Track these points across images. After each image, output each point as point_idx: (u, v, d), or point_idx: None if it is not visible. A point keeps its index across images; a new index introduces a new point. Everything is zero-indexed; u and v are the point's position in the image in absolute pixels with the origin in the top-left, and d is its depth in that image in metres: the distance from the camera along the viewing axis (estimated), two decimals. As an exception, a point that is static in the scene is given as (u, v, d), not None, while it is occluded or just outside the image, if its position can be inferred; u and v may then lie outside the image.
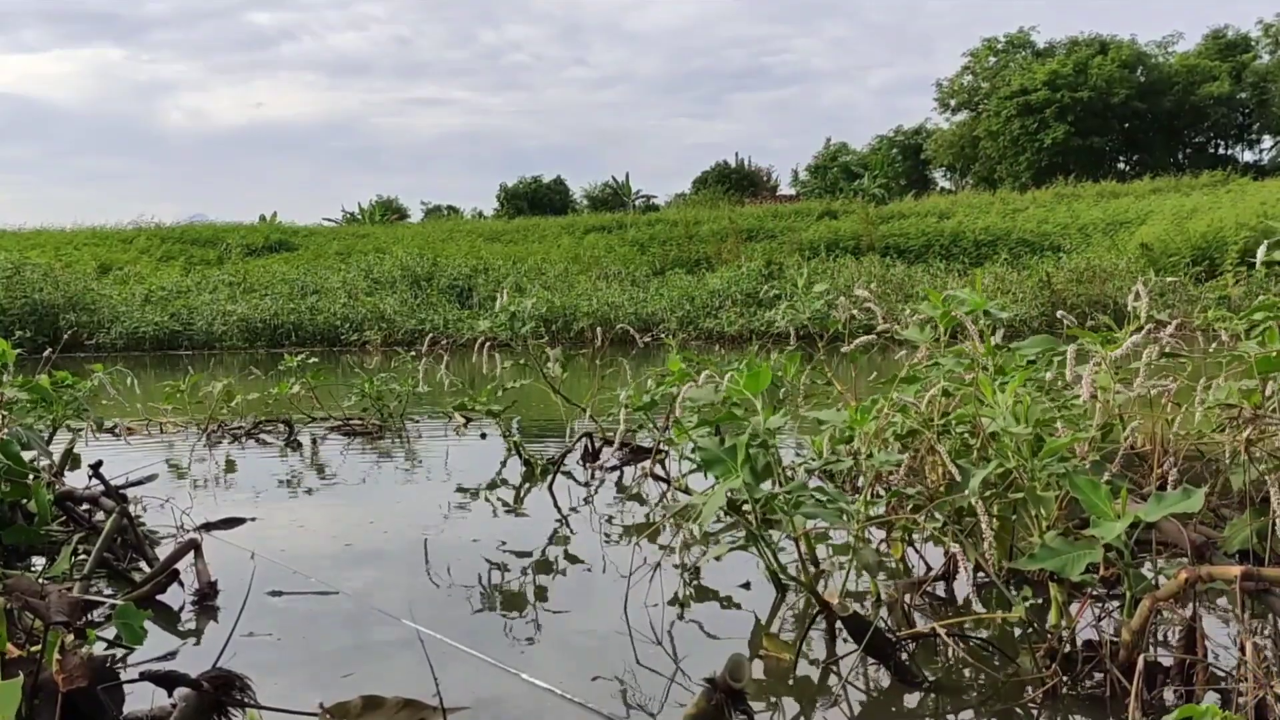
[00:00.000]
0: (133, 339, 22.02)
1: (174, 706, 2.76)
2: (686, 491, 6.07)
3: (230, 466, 7.90)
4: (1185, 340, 4.75)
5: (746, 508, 3.71)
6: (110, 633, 3.50)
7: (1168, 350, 4.07)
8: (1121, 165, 48.28)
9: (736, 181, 50.00)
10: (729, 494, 3.62)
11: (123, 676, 3.03)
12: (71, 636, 2.80)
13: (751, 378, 3.93)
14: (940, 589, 4.26)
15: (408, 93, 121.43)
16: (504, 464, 7.79)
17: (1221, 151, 50.29)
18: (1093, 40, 48.95)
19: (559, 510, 6.26)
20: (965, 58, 52.65)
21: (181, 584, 4.38)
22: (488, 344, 7.57)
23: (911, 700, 3.24)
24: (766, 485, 3.80)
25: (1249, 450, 3.68)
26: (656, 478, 6.73)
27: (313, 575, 4.71)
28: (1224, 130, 50.06)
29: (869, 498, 3.79)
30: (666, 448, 6.67)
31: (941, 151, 51.00)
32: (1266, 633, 3.49)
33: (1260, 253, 3.97)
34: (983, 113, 49.29)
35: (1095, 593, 3.46)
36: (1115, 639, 3.11)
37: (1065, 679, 3.13)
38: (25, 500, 4.94)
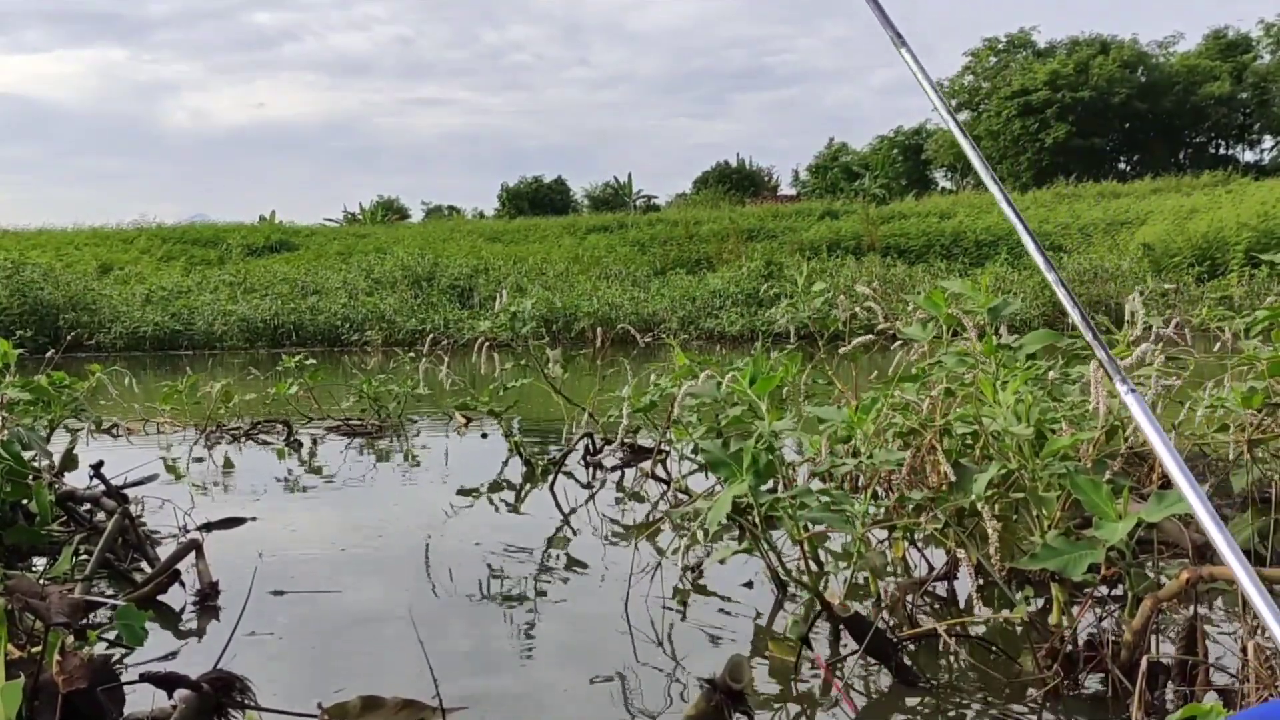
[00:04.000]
0: (133, 339, 22.02)
1: (174, 708, 2.75)
2: (686, 492, 6.07)
3: (229, 467, 7.90)
4: (1183, 340, 4.75)
5: (750, 511, 3.70)
6: (112, 633, 3.50)
7: (1167, 353, 4.07)
8: (1122, 165, 48.23)
9: (737, 181, 49.95)
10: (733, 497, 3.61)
11: (123, 677, 3.03)
12: (72, 637, 2.80)
13: (763, 381, 3.91)
14: (941, 589, 4.25)
15: (409, 93, 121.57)
16: (505, 464, 7.79)
17: (1222, 151, 50.20)
18: (1093, 40, 48.88)
19: (560, 510, 6.26)
20: (966, 58, 52.62)
21: (183, 584, 4.38)
22: (488, 344, 7.56)
23: (913, 700, 3.24)
24: (768, 485, 3.79)
25: (1252, 451, 3.68)
26: (657, 478, 6.73)
27: (313, 575, 4.71)
28: (1225, 130, 49.97)
29: (870, 498, 3.78)
30: (667, 448, 6.67)
31: (942, 151, 50.94)
32: (1268, 633, 3.48)
33: None
34: (983, 113, 49.24)
35: (1097, 593, 3.46)
36: (1117, 639, 3.10)
37: (1066, 679, 3.12)
38: (26, 500, 4.94)
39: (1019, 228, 1.49)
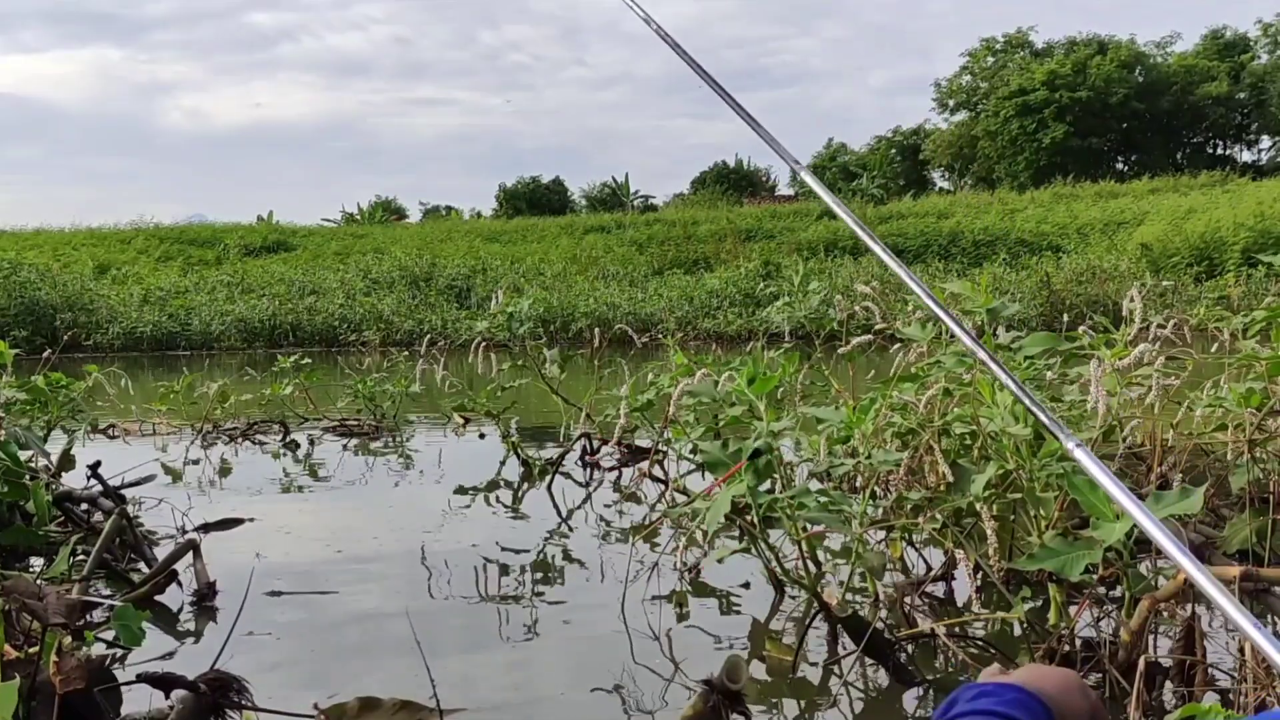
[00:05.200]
0: (130, 339, 21.99)
1: (171, 708, 2.75)
2: (684, 492, 6.06)
3: (226, 467, 7.89)
4: (1181, 340, 4.76)
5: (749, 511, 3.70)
6: (109, 633, 3.49)
7: (1166, 353, 4.07)
8: (1120, 165, 48.26)
9: (735, 182, 49.94)
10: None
11: (121, 677, 3.02)
12: (69, 638, 2.79)
13: (761, 381, 3.91)
14: (939, 589, 4.25)
15: (408, 93, 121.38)
16: (503, 464, 7.78)
17: (1220, 151, 50.24)
18: (1091, 40, 48.91)
19: (558, 510, 6.25)
20: (964, 58, 52.63)
21: (180, 585, 4.37)
22: (485, 344, 7.56)
23: (910, 700, 3.24)
24: (766, 485, 3.79)
25: (1252, 451, 3.68)
26: (654, 478, 6.72)
27: (310, 575, 4.71)
28: (1222, 130, 50.03)
29: (868, 499, 3.78)
30: (665, 448, 6.66)
31: (940, 152, 50.96)
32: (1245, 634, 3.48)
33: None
34: (981, 113, 49.27)
35: (1094, 593, 3.46)
36: (1114, 639, 3.10)
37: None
38: (24, 501, 4.93)
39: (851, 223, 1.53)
